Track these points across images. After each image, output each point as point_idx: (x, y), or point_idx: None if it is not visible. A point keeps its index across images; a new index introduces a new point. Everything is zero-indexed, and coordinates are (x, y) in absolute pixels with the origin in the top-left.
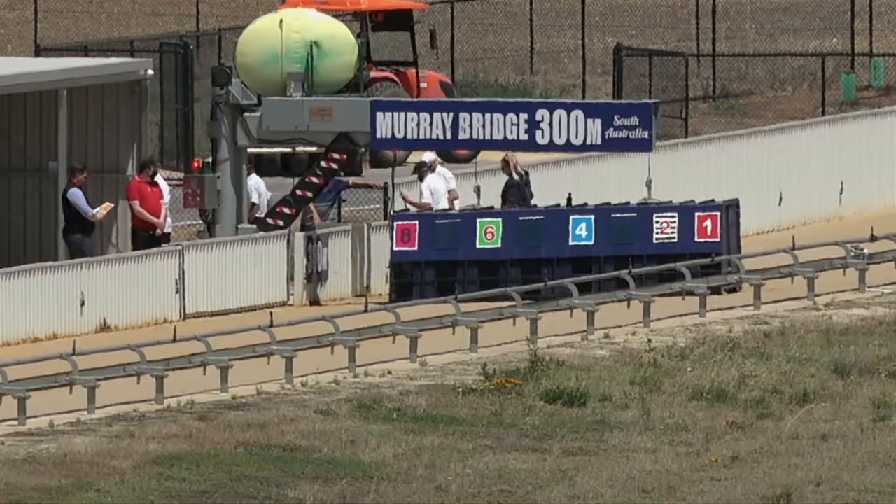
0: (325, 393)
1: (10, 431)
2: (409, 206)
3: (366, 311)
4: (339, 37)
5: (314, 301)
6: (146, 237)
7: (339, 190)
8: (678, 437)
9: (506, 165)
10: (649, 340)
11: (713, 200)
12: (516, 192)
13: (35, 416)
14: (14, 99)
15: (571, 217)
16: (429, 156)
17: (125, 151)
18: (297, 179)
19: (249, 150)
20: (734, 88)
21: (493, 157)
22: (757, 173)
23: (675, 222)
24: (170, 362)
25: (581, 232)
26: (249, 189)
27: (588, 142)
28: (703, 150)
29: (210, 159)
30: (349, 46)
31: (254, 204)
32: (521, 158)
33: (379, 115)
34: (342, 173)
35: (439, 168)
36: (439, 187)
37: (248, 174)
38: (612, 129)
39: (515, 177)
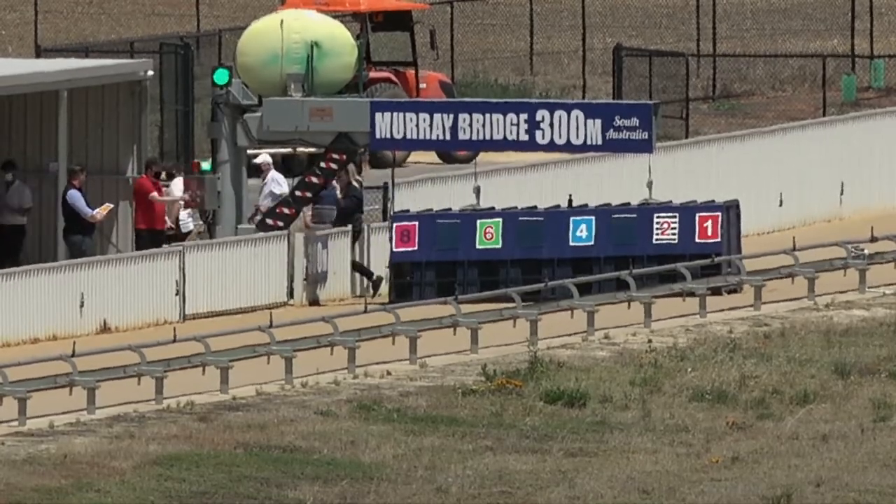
0: (324, 394)
1: (11, 432)
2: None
3: (365, 311)
4: (338, 37)
5: (314, 302)
6: (148, 238)
7: None
8: (678, 437)
9: (347, 176)
10: (650, 341)
11: (714, 201)
12: (357, 202)
13: (35, 417)
14: (14, 100)
15: (572, 218)
16: (263, 157)
17: (125, 152)
18: (296, 180)
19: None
20: (734, 89)
21: (494, 157)
22: (757, 174)
23: (675, 223)
24: (170, 363)
25: (581, 233)
26: (268, 182)
27: (588, 142)
28: (703, 150)
29: (209, 161)
30: (349, 47)
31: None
32: (520, 158)
33: (378, 115)
34: (341, 173)
35: (273, 173)
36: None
37: (267, 172)
38: (612, 129)
39: (355, 184)
